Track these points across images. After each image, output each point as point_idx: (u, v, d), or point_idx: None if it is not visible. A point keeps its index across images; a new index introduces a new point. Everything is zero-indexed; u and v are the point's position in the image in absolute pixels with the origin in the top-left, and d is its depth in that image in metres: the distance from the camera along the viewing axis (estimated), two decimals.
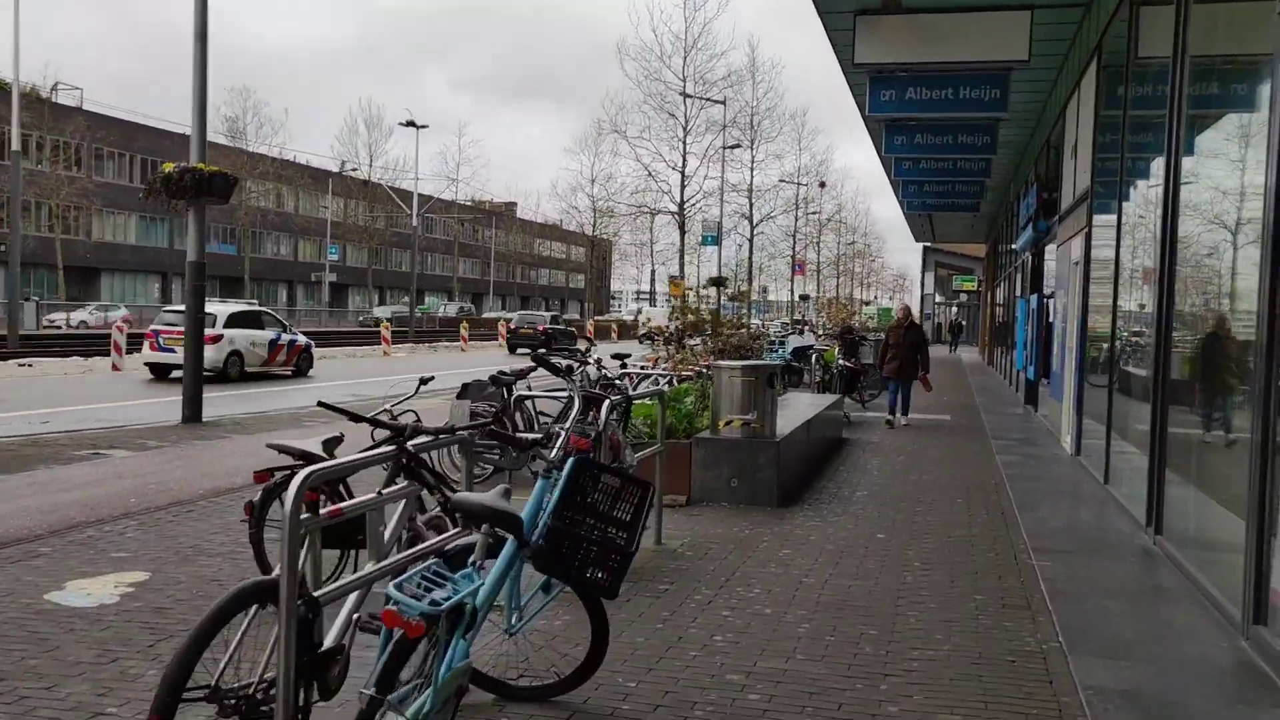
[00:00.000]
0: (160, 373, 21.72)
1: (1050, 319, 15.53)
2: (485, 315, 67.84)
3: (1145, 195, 9.23)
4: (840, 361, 16.72)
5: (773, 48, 71.75)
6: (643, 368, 13.78)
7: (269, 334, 23.19)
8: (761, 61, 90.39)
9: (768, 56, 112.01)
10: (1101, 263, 11.03)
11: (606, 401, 5.94)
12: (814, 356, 16.26)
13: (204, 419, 14.11)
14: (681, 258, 43.24)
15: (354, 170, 69.10)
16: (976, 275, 52.76)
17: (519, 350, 16.20)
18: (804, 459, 10.03)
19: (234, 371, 21.87)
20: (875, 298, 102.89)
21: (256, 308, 25.07)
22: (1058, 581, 6.17)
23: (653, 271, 69.45)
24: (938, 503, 8.99)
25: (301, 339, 24.47)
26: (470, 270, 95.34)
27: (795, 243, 63.41)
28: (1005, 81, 14.65)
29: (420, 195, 58.53)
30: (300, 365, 24.02)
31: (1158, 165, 8.06)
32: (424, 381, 6.71)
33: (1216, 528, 6.52)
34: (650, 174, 42.69)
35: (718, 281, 45.05)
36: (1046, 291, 16.56)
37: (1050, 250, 16.62)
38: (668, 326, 11.97)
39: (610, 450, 6.21)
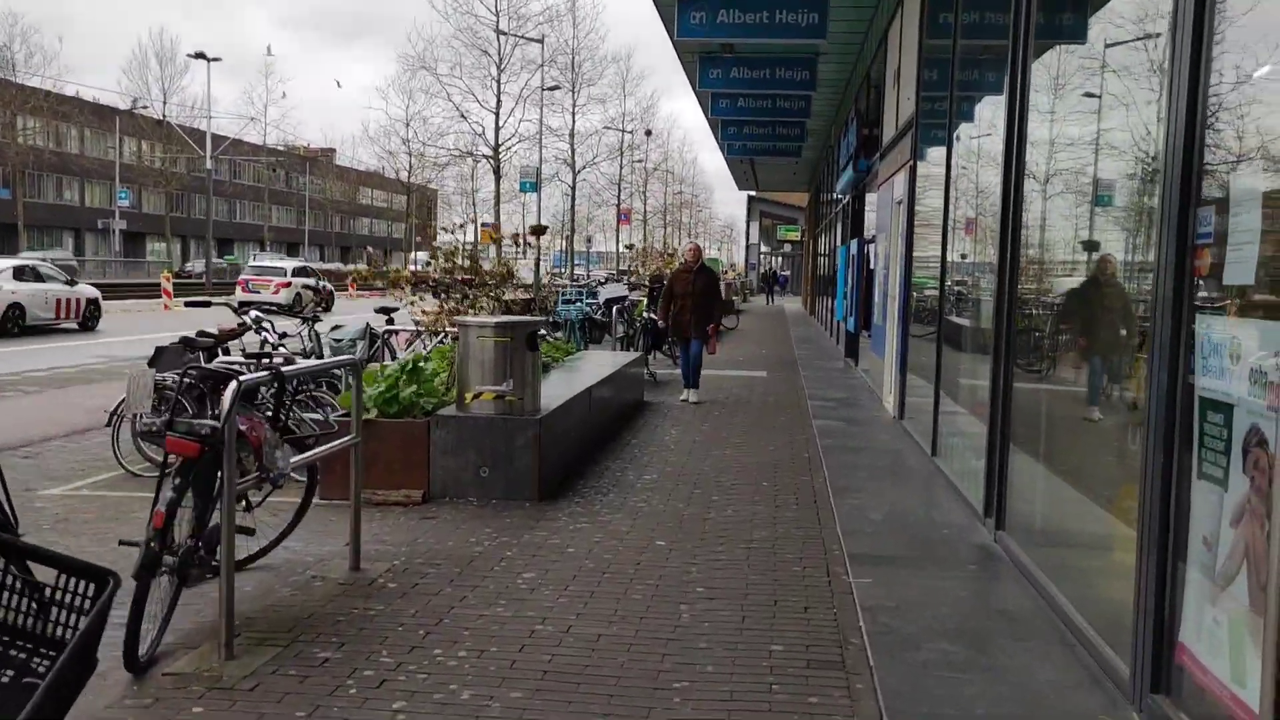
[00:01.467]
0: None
1: (871, 265, 14.27)
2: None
3: (982, 123, 7.81)
4: (647, 314, 15.03)
5: None
6: (418, 324, 11.71)
7: (313, 281, 31.42)
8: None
9: None
10: (929, 200, 9.63)
11: (234, 382, 3.94)
12: (616, 309, 14.49)
13: None
14: (497, 205, 40.65)
15: (144, 108, 62.96)
16: (800, 224, 52.42)
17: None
18: (583, 434, 8.25)
19: (297, 307, 27.33)
20: (704, 247, 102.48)
21: (306, 262, 34.81)
22: (881, 613, 4.59)
23: (476, 220, 66.05)
24: (740, 487, 7.37)
25: (329, 285, 32.51)
26: (285, 219, 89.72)
27: (621, 191, 61.62)
28: (823, 4, 13.26)
29: (218, 136, 53.72)
30: (328, 304, 30.75)
31: (1000, 87, 6.58)
32: None
33: (1080, 526, 5.09)
34: (462, 115, 39.83)
35: (538, 230, 42.82)
36: (867, 236, 15.31)
37: (870, 200, 15.38)
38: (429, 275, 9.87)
39: (253, 455, 4.22)
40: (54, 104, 58.36)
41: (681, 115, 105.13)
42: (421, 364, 7.30)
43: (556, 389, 8.16)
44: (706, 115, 22.45)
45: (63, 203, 67.10)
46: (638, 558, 5.52)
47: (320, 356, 9.09)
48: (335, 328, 11.66)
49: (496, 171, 39.07)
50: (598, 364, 10.66)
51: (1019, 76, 5.84)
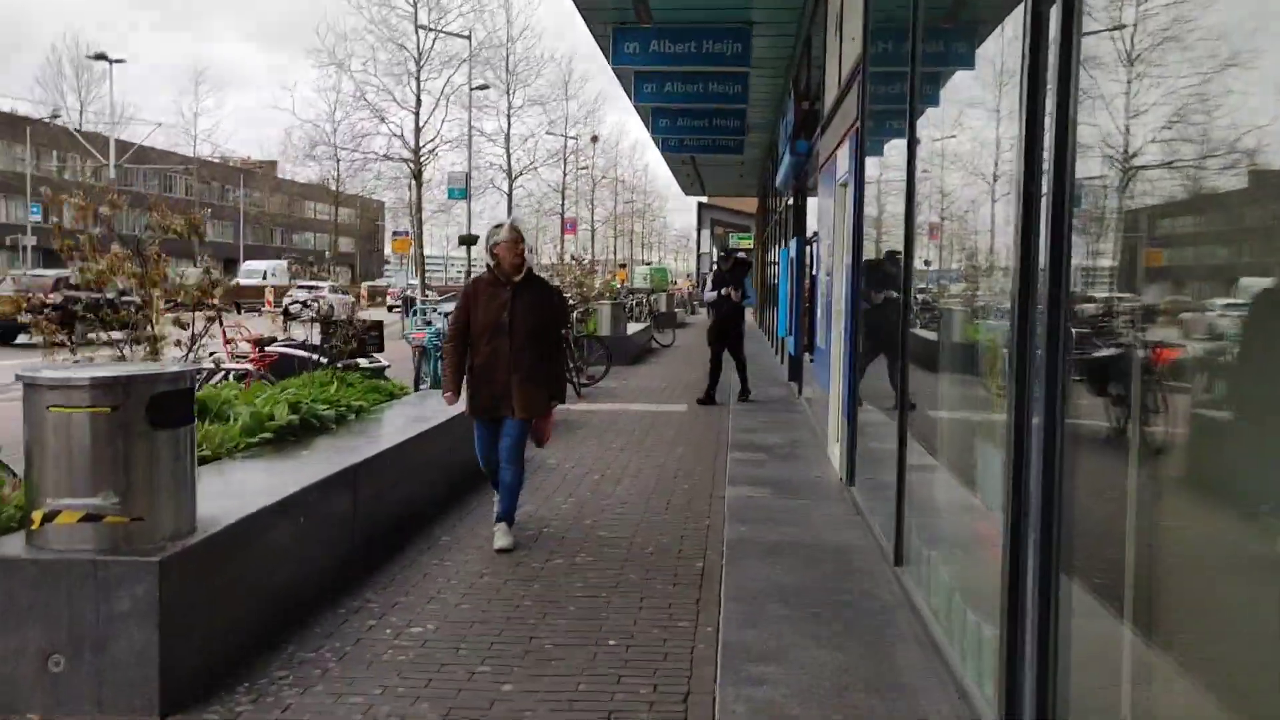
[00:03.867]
0: None
1: (814, 271, 11.26)
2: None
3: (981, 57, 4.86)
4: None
5: None
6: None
7: None
8: None
9: None
10: (887, 170, 6.61)
11: None
12: None
13: None
14: (418, 212, 37.25)
15: (54, 117, 58.89)
16: (753, 232, 49.64)
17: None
18: (335, 546, 5.07)
19: None
20: (660, 258, 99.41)
21: None
22: None
23: (419, 232, 61.71)
24: (564, 654, 4.24)
25: None
26: (221, 234, 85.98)
27: (565, 199, 58.29)
28: None
29: (129, 143, 50.00)
30: None
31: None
32: None
33: None
34: (380, 116, 36.37)
35: (468, 240, 39.64)
36: (808, 234, 12.33)
37: (812, 204, 12.42)
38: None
39: None
40: None
41: (630, 121, 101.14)
42: None
43: (289, 474, 5.00)
44: (632, 101, 19.56)
45: None
46: None
47: None
48: None
49: (417, 176, 35.67)
50: (426, 413, 7.52)
51: None
